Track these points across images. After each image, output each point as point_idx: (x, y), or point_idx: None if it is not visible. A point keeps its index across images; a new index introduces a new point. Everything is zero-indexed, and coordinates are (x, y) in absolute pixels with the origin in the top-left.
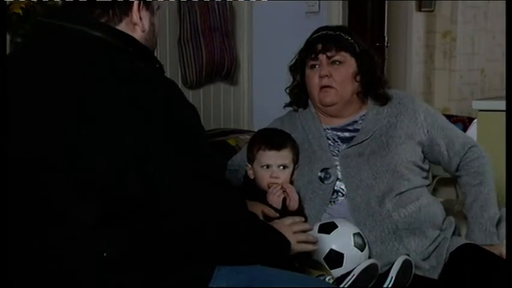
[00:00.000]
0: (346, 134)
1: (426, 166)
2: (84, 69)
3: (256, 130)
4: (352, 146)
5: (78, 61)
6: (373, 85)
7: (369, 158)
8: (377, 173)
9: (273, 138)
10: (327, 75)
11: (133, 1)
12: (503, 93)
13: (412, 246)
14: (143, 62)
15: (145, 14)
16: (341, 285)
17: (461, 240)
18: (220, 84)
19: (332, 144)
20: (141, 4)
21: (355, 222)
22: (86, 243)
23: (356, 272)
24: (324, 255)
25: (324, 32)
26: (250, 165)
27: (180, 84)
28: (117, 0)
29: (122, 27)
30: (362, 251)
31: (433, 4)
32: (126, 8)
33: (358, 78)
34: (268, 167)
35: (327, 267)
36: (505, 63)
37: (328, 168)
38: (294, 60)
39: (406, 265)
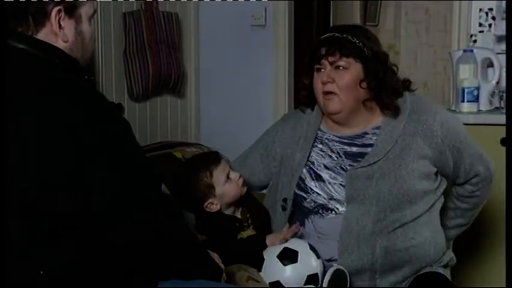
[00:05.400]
0: (354, 149)
1: (436, 184)
2: (11, 84)
3: (203, 143)
4: (362, 167)
5: (4, 77)
6: (381, 93)
7: (377, 182)
8: (382, 200)
9: (209, 154)
10: (329, 81)
11: (51, 10)
12: (445, 105)
13: (382, 283)
14: (72, 74)
15: (67, 23)
16: None
17: (426, 268)
18: (167, 97)
19: (336, 159)
20: (61, 13)
21: (341, 243)
22: (24, 261)
23: None
24: (270, 282)
25: (330, 35)
26: (211, 200)
27: (126, 97)
28: (31, 9)
29: (41, 37)
30: None
31: (377, 18)
32: (42, 18)
33: (364, 84)
34: (228, 176)
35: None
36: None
37: (287, 199)
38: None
39: (338, 274)
